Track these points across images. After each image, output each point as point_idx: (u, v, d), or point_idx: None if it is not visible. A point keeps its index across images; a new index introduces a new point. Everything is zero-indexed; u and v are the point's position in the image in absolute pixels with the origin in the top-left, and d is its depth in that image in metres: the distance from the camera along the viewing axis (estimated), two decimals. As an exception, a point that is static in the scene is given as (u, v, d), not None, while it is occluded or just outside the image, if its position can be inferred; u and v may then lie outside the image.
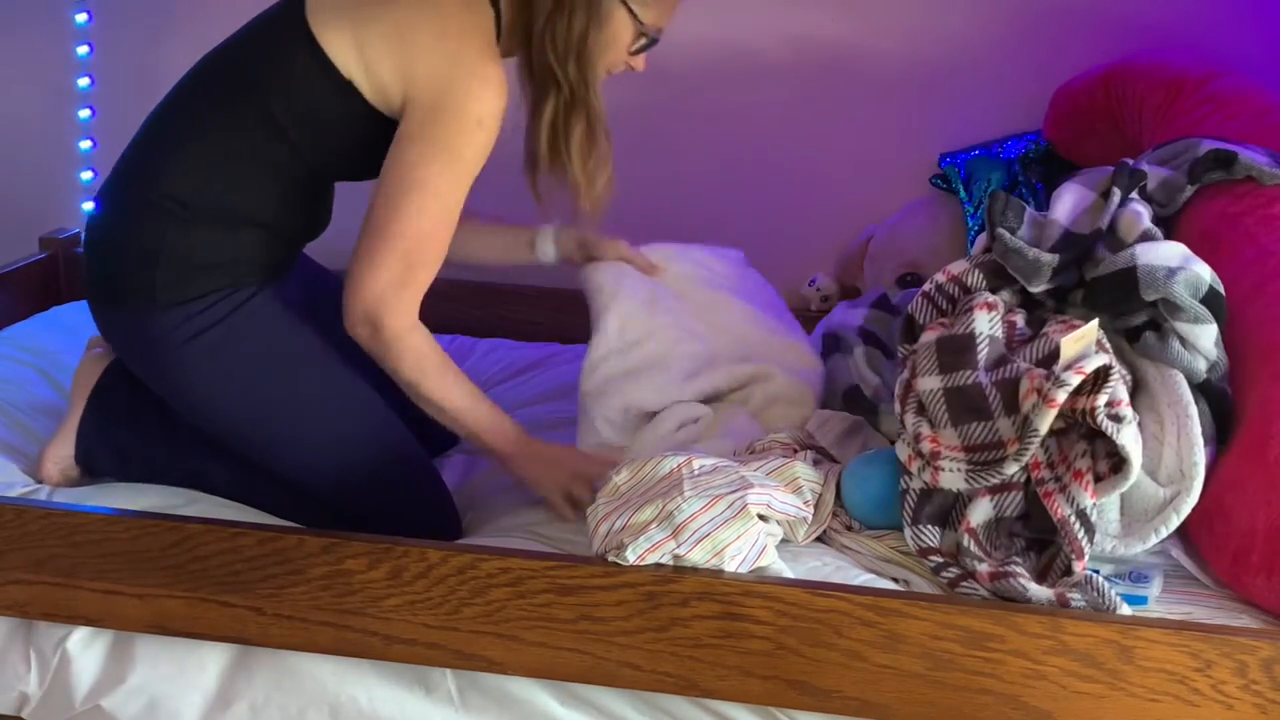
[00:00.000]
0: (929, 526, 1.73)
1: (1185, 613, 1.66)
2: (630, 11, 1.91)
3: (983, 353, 1.75)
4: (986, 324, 1.78)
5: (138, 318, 1.92)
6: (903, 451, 1.77)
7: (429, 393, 1.91)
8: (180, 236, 1.90)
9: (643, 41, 1.96)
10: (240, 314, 1.92)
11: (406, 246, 1.84)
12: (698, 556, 1.62)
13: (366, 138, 1.91)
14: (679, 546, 1.62)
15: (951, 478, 1.72)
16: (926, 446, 1.73)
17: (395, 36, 1.85)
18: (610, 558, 1.64)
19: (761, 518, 1.69)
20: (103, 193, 2.00)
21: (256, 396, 1.92)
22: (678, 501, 1.65)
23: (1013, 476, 1.70)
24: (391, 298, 1.85)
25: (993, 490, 1.71)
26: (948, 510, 1.74)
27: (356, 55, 1.87)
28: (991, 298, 1.83)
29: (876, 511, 1.81)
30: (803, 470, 1.81)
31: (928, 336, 1.80)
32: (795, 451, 1.92)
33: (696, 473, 1.72)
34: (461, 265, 2.19)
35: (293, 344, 1.96)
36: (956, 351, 1.76)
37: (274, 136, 1.89)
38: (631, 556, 1.62)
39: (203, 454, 1.98)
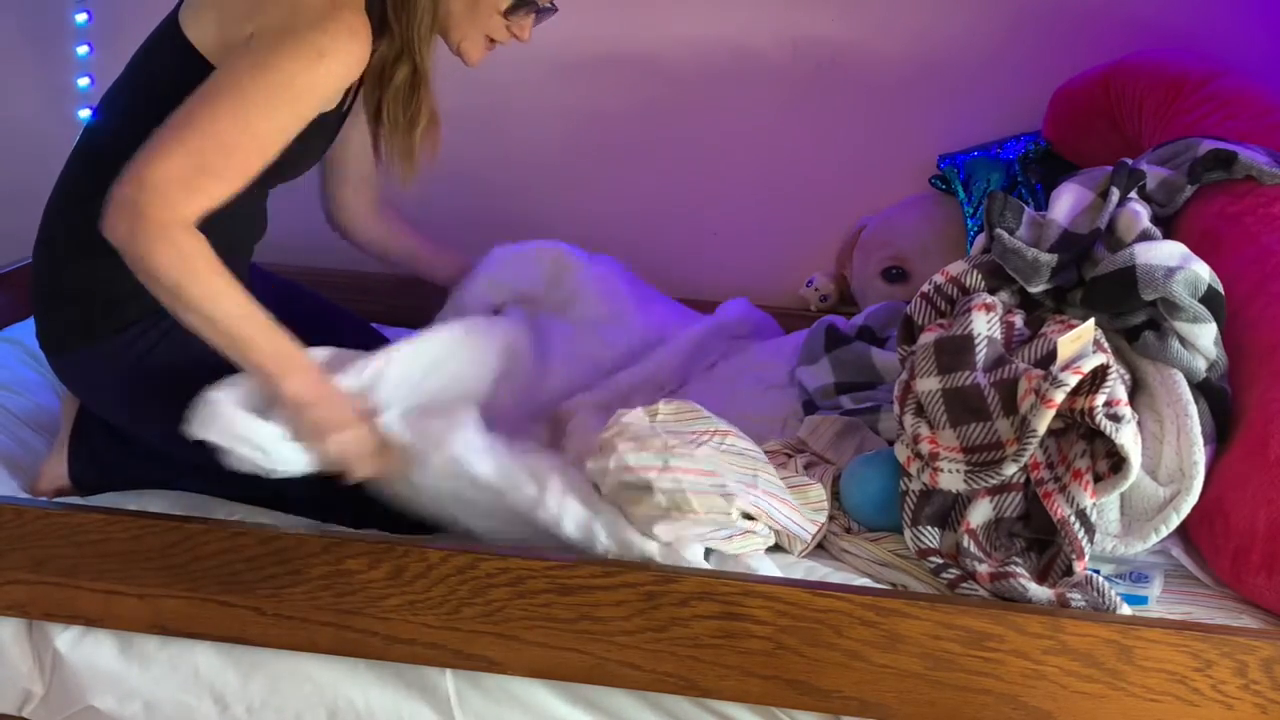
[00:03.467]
0: (929, 528, 1.73)
1: (1185, 612, 1.67)
2: None
3: (981, 354, 1.75)
4: (985, 325, 1.78)
5: (84, 357, 1.92)
6: (901, 453, 1.77)
7: (196, 296, 1.69)
8: (104, 268, 1.86)
9: (510, 1, 1.91)
10: (181, 330, 1.86)
11: (205, 146, 1.69)
12: (661, 499, 1.68)
13: None
14: (658, 478, 1.68)
15: (950, 479, 1.72)
16: (925, 448, 1.73)
17: (251, 3, 1.81)
18: (591, 461, 1.74)
19: (748, 516, 1.72)
20: (35, 246, 1.99)
21: None
22: (689, 449, 1.71)
23: (1012, 477, 1.70)
24: (168, 191, 1.66)
25: (992, 491, 1.71)
26: (947, 511, 1.74)
27: (223, 42, 1.83)
28: (990, 299, 1.83)
29: (876, 513, 1.81)
30: (823, 493, 1.83)
31: (926, 337, 1.80)
32: (789, 458, 1.94)
33: (722, 447, 1.76)
34: (370, 254, 2.35)
35: None
36: (955, 352, 1.76)
37: None
38: (611, 463, 1.70)
39: (186, 469, 1.97)
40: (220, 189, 1.72)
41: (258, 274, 2.16)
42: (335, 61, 1.76)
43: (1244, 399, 1.74)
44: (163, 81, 1.86)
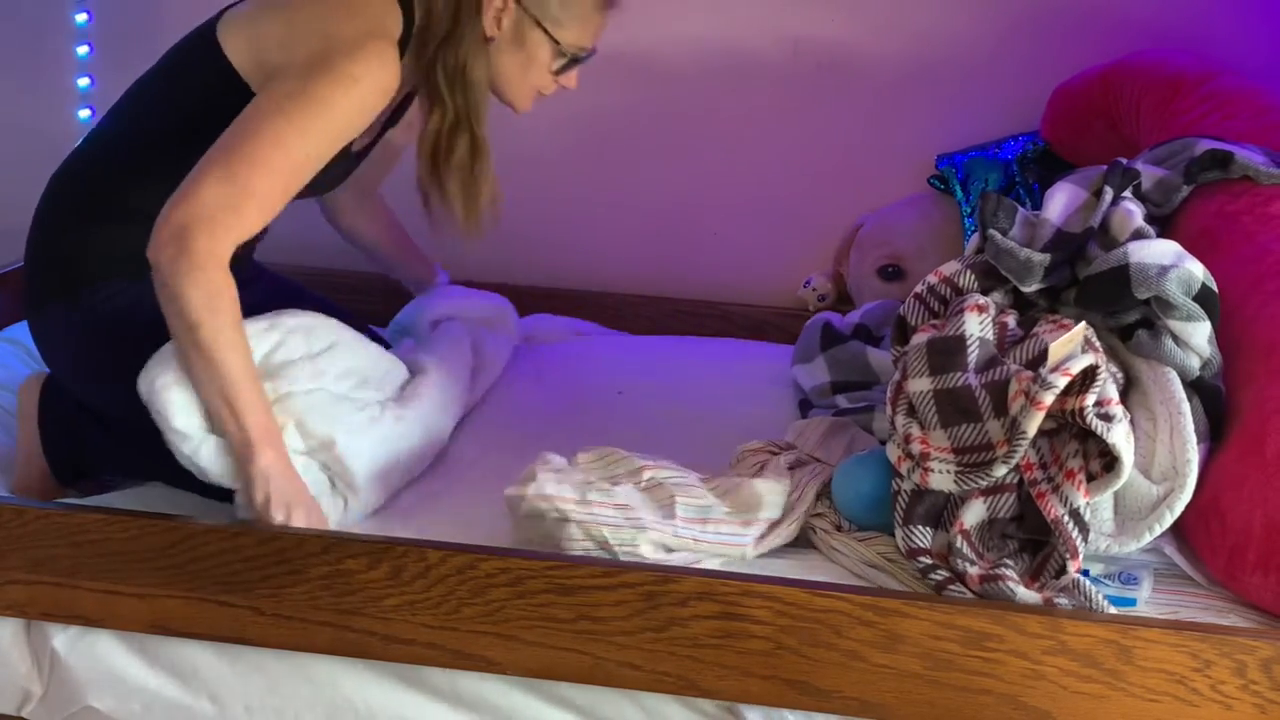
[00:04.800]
0: (920, 527, 1.73)
1: (1171, 611, 1.67)
2: (547, 34, 1.95)
3: (973, 355, 1.76)
4: (977, 326, 1.78)
5: (59, 313, 1.95)
6: (893, 452, 1.77)
7: (210, 342, 1.72)
8: (97, 234, 1.92)
9: (562, 61, 1.99)
10: (146, 299, 1.87)
11: (249, 171, 1.74)
12: (575, 531, 1.74)
13: None
14: (574, 510, 1.73)
15: (941, 479, 1.72)
16: (916, 448, 1.74)
17: (281, 23, 1.87)
18: (511, 487, 1.79)
19: (669, 549, 1.76)
20: (35, 215, 2.02)
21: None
22: (605, 487, 1.77)
23: (1004, 478, 1.70)
24: (214, 215, 1.72)
25: (986, 492, 1.72)
26: (940, 511, 1.74)
27: (254, 59, 1.88)
28: (982, 299, 1.83)
29: (868, 511, 1.81)
30: (764, 487, 1.83)
31: (919, 338, 1.81)
32: (772, 455, 1.94)
33: (641, 485, 1.82)
34: (351, 242, 2.43)
35: None
36: (947, 353, 1.76)
37: (188, 146, 1.87)
38: (530, 490, 1.74)
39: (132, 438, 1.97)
40: (260, 214, 1.78)
41: (260, 271, 2.19)
42: (367, 88, 1.82)
43: (1240, 398, 1.74)
44: (194, 87, 1.92)
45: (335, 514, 1.86)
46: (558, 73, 2.01)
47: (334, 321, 1.96)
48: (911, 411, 1.77)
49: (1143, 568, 1.74)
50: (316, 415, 1.85)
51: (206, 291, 1.72)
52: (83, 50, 2.94)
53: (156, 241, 1.73)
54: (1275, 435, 1.64)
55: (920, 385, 1.76)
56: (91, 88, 2.95)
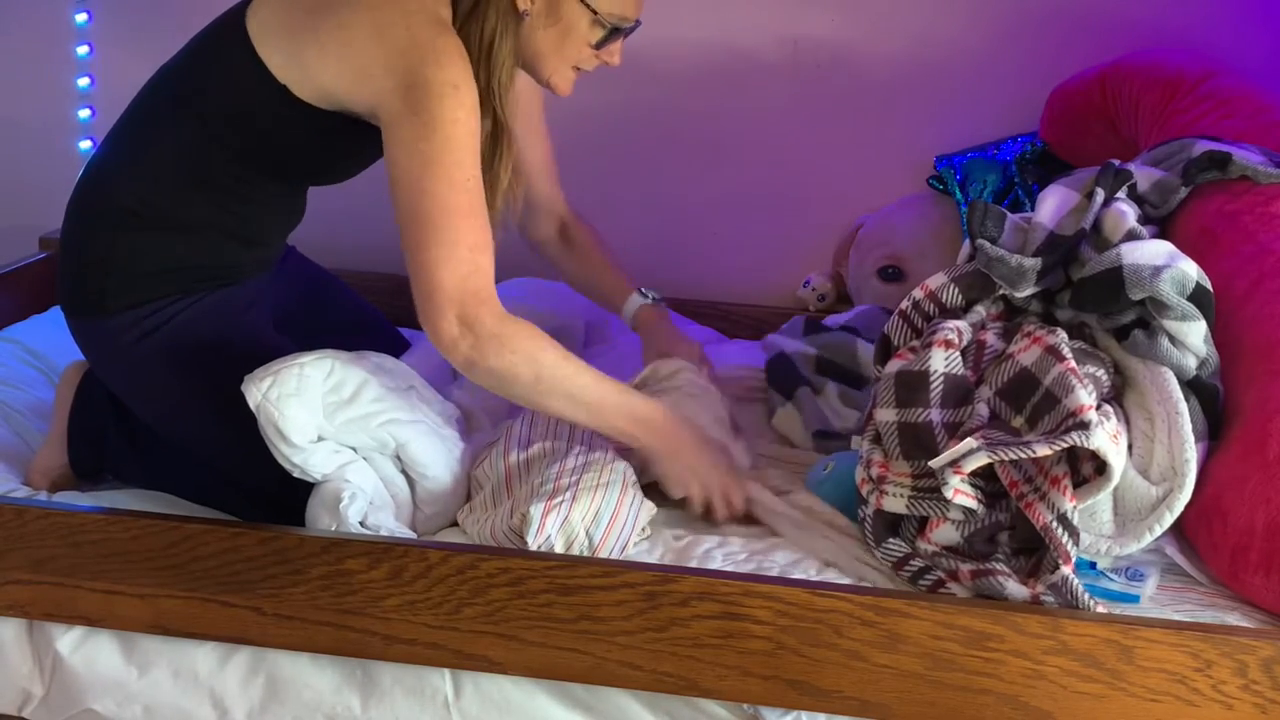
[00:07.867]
0: (892, 540, 1.73)
1: (1178, 608, 1.67)
2: (584, 2, 1.89)
3: (936, 391, 1.77)
4: (942, 362, 1.79)
5: (93, 325, 1.94)
6: (859, 474, 1.80)
7: (556, 381, 1.80)
8: (128, 244, 1.91)
9: (602, 33, 1.92)
10: (186, 315, 1.92)
11: (453, 227, 1.76)
12: (566, 534, 1.75)
13: (310, 137, 1.90)
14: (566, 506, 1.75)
15: (894, 502, 1.74)
16: (875, 471, 1.76)
17: (335, 41, 1.83)
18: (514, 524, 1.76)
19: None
20: (68, 206, 2.01)
21: (201, 398, 1.90)
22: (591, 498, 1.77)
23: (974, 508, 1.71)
24: (468, 287, 1.75)
25: (950, 517, 1.72)
26: (896, 522, 1.75)
27: (293, 60, 1.85)
28: (951, 333, 1.82)
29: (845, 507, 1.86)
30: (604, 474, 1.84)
31: (892, 365, 1.83)
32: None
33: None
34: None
35: (237, 344, 1.92)
36: (912, 388, 1.78)
37: (214, 142, 1.90)
38: (535, 522, 1.73)
39: (173, 453, 1.99)
40: (489, 251, 1.80)
41: (294, 255, 2.22)
42: (466, 86, 1.80)
43: (1242, 398, 1.74)
44: (238, 99, 1.89)
45: (405, 521, 1.87)
46: (598, 46, 1.93)
47: (404, 365, 1.96)
48: (878, 439, 1.79)
49: (1151, 565, 1.74)
50: (419, 445, 1.85)
51: (523, 353, 1.78)
52: (83, 50, 2.94)
53: (448, 350, 1.77)
54: (1277, 435, 1.64)
55: (886, 416, 1.78)
56: (91, 88, 2.96)
